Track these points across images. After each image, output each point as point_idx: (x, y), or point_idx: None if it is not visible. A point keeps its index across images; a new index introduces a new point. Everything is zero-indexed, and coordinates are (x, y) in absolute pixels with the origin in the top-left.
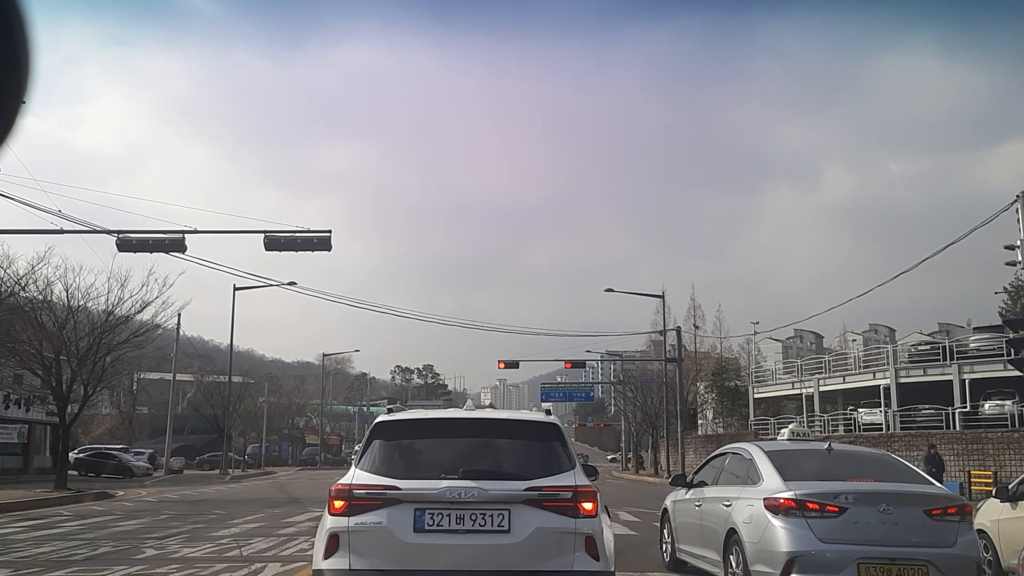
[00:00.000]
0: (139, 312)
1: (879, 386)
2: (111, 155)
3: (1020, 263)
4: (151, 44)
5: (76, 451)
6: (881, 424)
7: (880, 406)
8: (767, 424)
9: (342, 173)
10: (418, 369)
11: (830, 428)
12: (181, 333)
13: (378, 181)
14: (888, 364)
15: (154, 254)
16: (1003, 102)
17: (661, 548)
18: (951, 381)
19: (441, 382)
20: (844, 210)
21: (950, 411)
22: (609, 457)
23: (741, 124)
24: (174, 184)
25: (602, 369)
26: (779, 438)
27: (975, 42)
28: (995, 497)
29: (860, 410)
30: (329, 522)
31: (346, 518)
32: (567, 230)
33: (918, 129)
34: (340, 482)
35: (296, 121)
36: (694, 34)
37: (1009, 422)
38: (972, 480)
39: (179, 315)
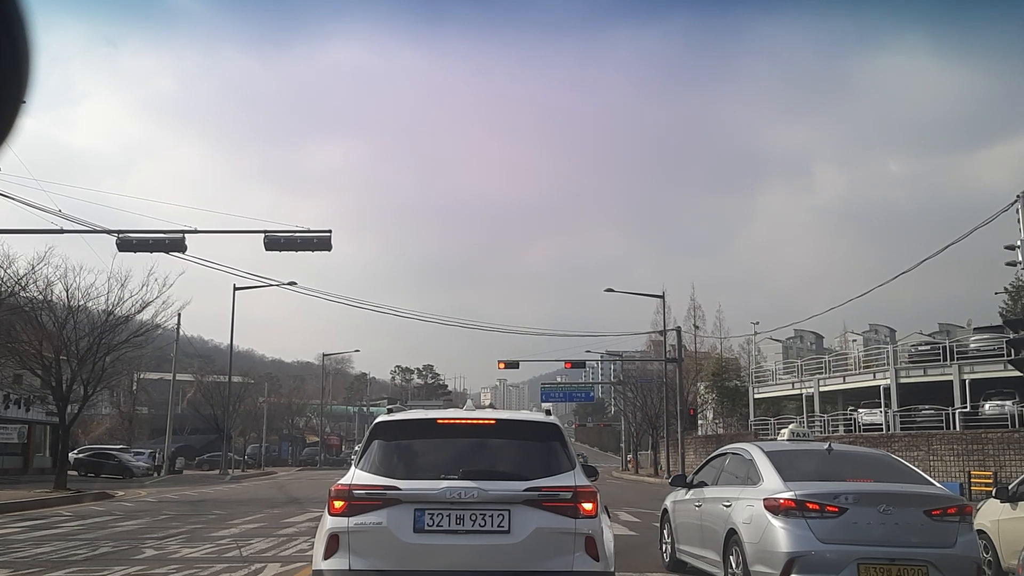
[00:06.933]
0: (139, 312)
1: (879, 386)
2: (104, 154)
3: (1020, 263)
4: (139, 43)
5: (76, 451)
6: (881, 424)
7: (880, 406)
8: (767, 424)
9: (335, 172)
10: (418, 369)
11: (830, 428)
12: (181, 333)
13: (372, 180)
14: (888, 364)
15: (154, 254)
16: (998, 102)
17: (661, 548)
18: (951, 381)
19: (441, 382)
20: (842, 210)
21: (950, 411)
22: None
23: (735, 124)
24: (167, 182)
25: (602, 369)
26: (779, 438)
27: (968, 42)
28: (995, 497)
29: (860, 410)
30: (329, 522)
31: (346, 518)
32: (563, 229)
33: (913, 129)
34: (340, 482)
35: (288, 120)
36: (685, 34)
37: (1009, 422)
38: (972, 480)
39: (179, 315)
